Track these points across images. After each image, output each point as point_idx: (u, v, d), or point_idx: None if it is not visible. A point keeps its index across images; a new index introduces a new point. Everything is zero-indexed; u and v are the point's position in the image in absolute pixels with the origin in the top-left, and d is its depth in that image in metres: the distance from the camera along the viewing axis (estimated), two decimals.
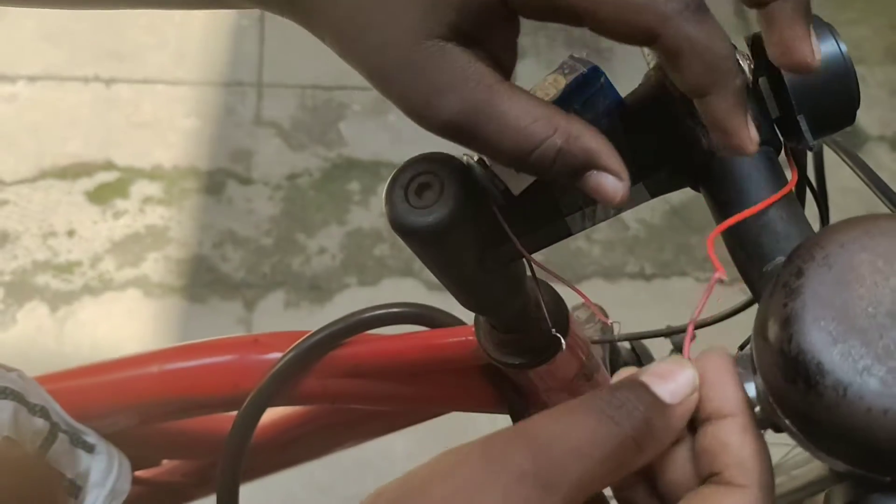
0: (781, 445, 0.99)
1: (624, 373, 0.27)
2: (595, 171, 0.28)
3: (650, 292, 1.50)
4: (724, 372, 0.27)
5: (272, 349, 0.54)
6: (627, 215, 1.54)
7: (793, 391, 0.26)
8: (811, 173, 0.41)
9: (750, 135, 0.27)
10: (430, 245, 0.34)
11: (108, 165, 1.61)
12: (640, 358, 0.73)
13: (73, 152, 1.62)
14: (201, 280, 1.48)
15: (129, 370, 0.55)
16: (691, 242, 1.55)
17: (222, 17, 1.83)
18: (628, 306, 1.44)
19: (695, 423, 0.27)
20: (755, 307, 0.28)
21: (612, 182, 0.28)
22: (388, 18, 0.27)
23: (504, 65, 0.30)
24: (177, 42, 1.79)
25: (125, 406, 0.56)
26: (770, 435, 0.83)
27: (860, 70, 1.83)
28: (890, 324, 0.25)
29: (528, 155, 0.28)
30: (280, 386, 0.52)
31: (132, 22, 1.81)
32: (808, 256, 0.26)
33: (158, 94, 1.71)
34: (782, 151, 0.35)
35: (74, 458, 0.52)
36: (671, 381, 0.26)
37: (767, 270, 0.30)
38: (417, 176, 0.34)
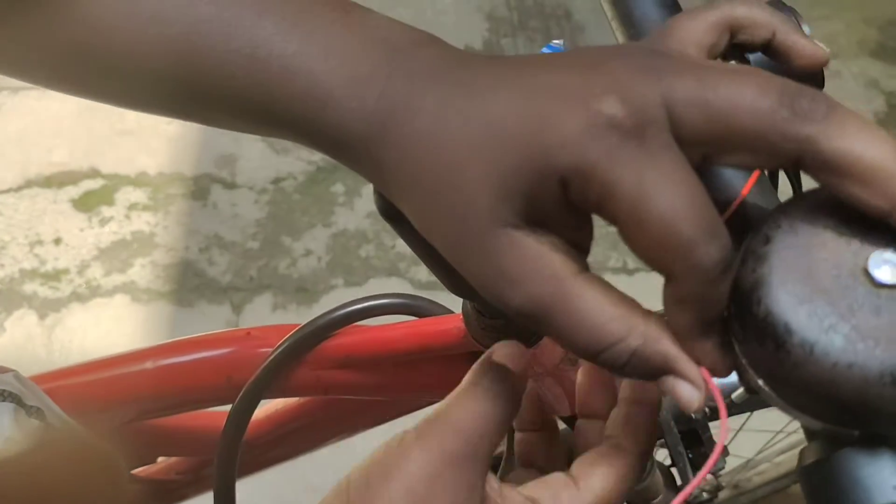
0: (766, 432, 1.00)
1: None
2: (671, 377, 0.28)
3: (633, 287, 1.51)
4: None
5: (264, 342, 0.55)
6: None
7: (764, 352, 0.27)
8: None
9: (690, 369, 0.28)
10: (417, 230, 0.35)
11: (94, 173, 1.61)
12: None
13: (59, 161, 1.62)
14: (188, 284, 1.49)
15: (124, 366, 0.56)
16: None
17: None
18: None
19: None
20: None
21: (687, 390, 0.28)
22: (463, 205, 0.27)
23: (582, 246, 0.29)
24: None
25: (121, 402, 0.57)
26: (752, 421, 0.84)
27: (835, 64, 1.87)
28: (852, 284, 0.26)
29: (598, 353, 0.27)
30: (273, 378, 0.53)
31: None
32: (775, 224, 0.28)
33: None
34: None
35: None
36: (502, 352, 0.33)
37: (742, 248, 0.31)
38: None
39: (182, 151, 1.65)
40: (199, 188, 1.60)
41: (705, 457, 0.75)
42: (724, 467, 0.85)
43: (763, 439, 0.96)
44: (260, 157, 1.65)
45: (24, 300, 1.46)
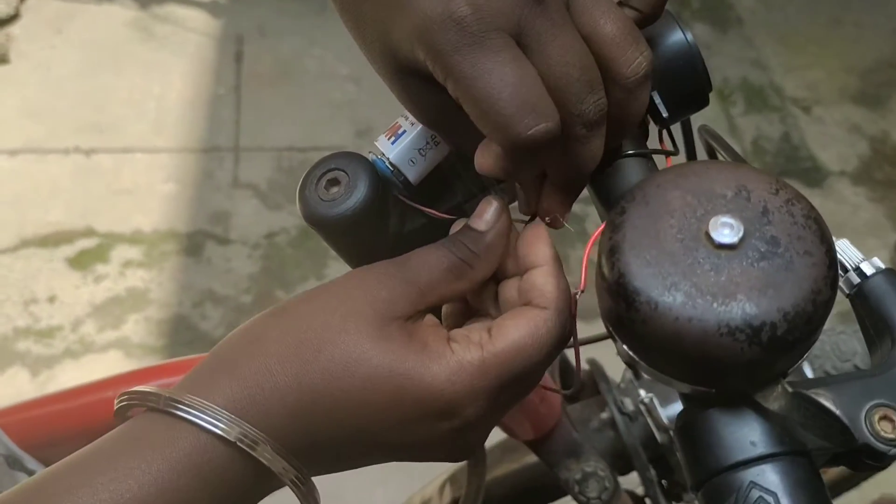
0: None
1: (459, 223, 0.37)
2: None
3: None
4: (539, 237, 0.36)
5: None
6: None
7: (618, 312, 0.29)
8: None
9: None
10: (341, 235, 0.37)
11: (89, 232, 1.64)
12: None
13: (55, 221, 1.66)
14: (181, 339, 1.50)
15: (88, 396, 0.58)
16: None
17: (200, 88, 1.89)
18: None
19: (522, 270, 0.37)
20: None
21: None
22: (387, 53, 0.35)
23: None
24: (156, 112, 1.85)
25: (86, 433, 0.58)
26: None
27: (818, 111, 1.88)
28: (695, 245, 0.28)
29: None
30: None
31: (113, 96, 1.87)
32: (630, 198, 0.31)
33: (138, 162, 1.76)
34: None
35: (13, 480, 0.53)
36: (482, 215, 0.36)
37: None
38: (327, 172, 0.37)
39: (177, 209, 1.68)
40: (194, 244, 1.63)
41: (677, 484, 0.75)
42: None
43: None
44: (253, 212, 1.68)
45: (17, 358, 1.48)
